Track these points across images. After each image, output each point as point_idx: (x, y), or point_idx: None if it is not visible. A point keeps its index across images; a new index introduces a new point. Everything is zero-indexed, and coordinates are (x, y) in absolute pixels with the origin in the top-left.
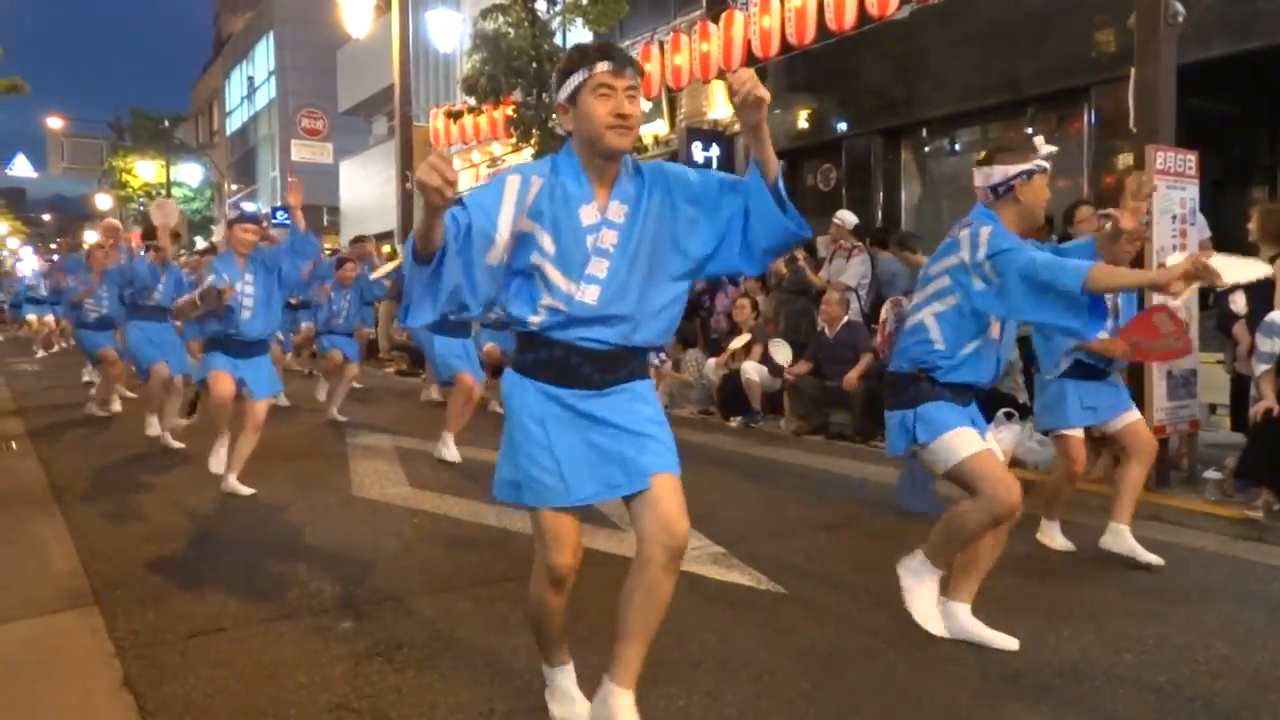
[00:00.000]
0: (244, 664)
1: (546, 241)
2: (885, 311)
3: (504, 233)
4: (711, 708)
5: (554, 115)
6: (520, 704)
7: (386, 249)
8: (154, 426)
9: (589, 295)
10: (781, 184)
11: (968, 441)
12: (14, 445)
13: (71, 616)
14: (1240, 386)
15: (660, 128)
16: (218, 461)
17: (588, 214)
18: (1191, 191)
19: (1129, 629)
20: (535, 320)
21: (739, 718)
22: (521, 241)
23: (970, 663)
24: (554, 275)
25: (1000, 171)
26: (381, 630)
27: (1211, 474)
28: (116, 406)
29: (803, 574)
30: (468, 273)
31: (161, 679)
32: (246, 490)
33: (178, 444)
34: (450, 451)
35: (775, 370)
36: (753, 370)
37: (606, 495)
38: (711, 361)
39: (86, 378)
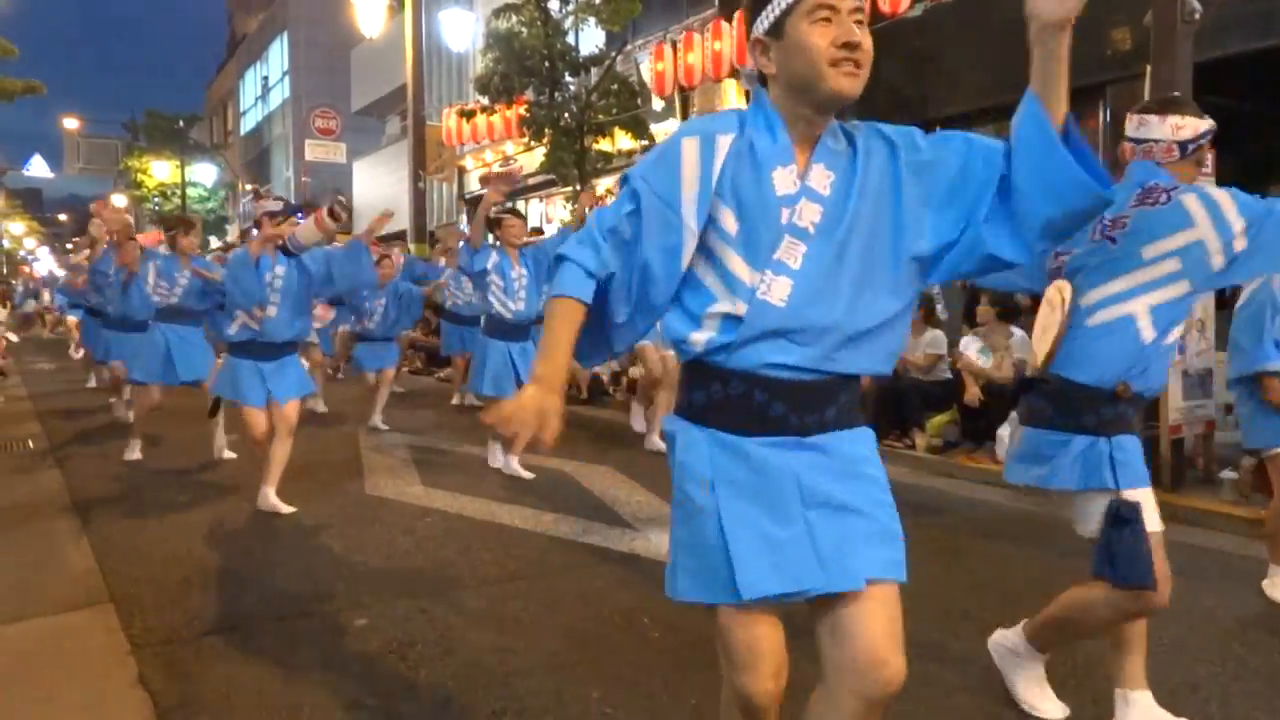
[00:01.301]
0: (257, 662)
1: (728, 219)
2: (1060, 296)
3: (694, 226)
4: None
5: (566, 114)
6: (533, 703)
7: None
8: (134, 449)
9: (776, 291)
10: (1075, 128)
11: (1153, 509)
12: (30, 444)
13: (87, 615)
14: None
15: (673, 127)
16: (268, 496)
17: (783, 180)
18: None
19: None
20: (699, 338)
21: None
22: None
23: (983, 662)
24: (736, 264)
25: (1193, 126)
26: (394, 629)
27: (1228, 474)
28: (126, 414)
29: None
30: (646, 309)
31: (176, 677)
32: (286, 508)
33: (230, 454)
34: (496, 458)
35: None
36: None
37: (792, 592)
38: None
39: (93, 384)
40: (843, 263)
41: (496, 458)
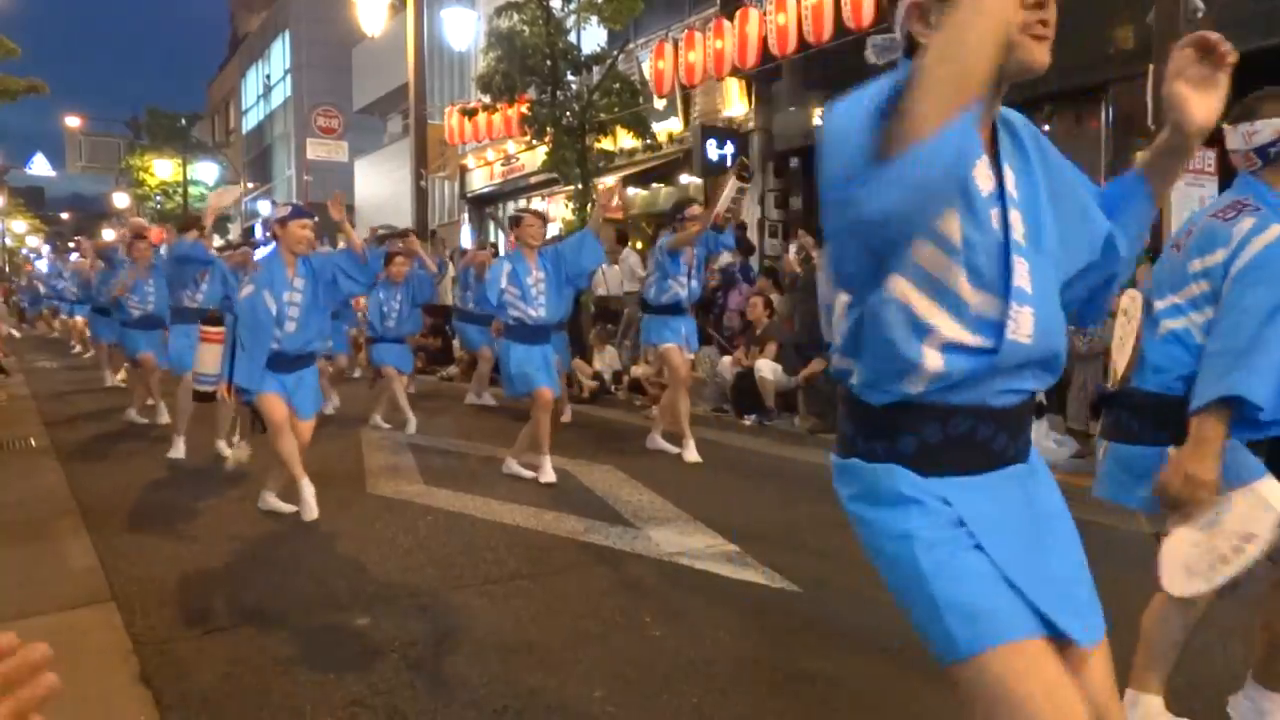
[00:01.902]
0: (260, 660)
1: (951, 225)
2: (1133, 305)
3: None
4: (725, 706)
5: (567, 113)
6: (534, 701)
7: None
8: (179, 447)
9: (1023, 326)
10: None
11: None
12: (33, 442)
13: (90, 612)
14: None
15: (675, 125)
16: (309, 505)
17: (982, 178)
18: (1211, 188)
19: None
20: (923, 376)
21: (752, 716)
22: (902, 222)
23: None
24: (964, 289)
25: (1270, 128)
26: (396, 627)
27: None
28: (165, 417)
29: (816, 573)
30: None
31: (178, 674)
32: (287, 507)
33: (230, 452)
34: (547, 474)
35: (790, 370)
36: (766, 368)
37: (1071, 628)
38: (725, 359)
39: (110, 382)
40: (1050, 277)
41: (546, 472)
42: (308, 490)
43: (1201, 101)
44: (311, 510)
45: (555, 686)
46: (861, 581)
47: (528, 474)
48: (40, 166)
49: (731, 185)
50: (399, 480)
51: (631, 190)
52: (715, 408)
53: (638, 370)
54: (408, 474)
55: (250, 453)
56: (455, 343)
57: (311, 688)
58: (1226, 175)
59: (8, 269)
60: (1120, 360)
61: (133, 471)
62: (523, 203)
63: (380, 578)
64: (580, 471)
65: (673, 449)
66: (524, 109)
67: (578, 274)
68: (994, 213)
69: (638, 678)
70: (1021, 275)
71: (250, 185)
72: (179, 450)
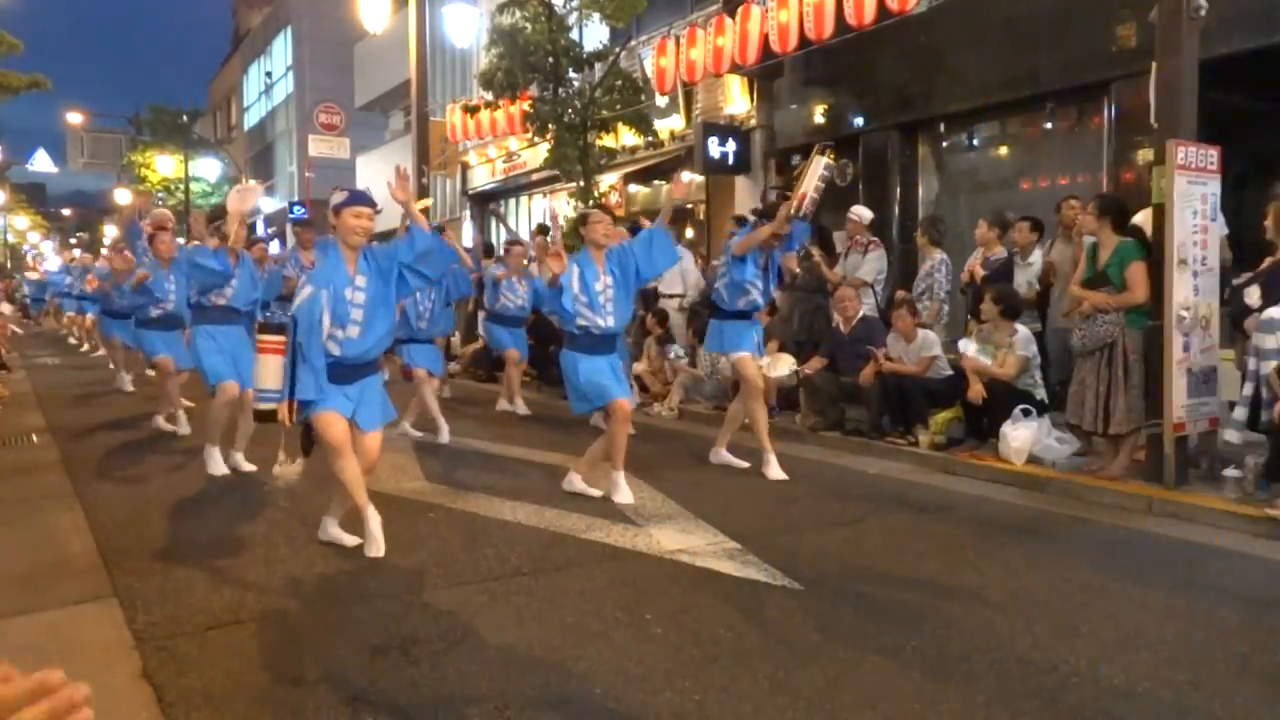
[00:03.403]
0: (262, 656)
1: None
2: None
3: None
4: (726, 703)
5: (569, 110)
6: (536, 697)
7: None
8: (217, 462)
9: None
10: None
11: None
12: (35, 439)
13: (91, 608)
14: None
15: (676, 123)
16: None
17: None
18: (1213, 187)
19: (1147, 627)
20: None
21: (753, 714)
22: None
23: (986, 660)
24: None
25: None
26: (397, 624)
27: (1232, 472)
28: (185, 428)
29: (817, 570)
30: None
31: (180, 670)
32: (351, 539)
33: (249, 466)
34: (623, 493)
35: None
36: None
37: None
38: (725, 358)
39: (128, 387)
40: None
41: (620, 492)
42: (374, 521)
43: None
44: (378, 545)
45: (556, 683)
46: (862, 579)
47: (594, 493)
48: (42, 162)
49: (817, 164)
50: (400, 477)
51: (633, 188)
52: (716, 405)
53: (638, 367)
54: (409, 471)
55: (299, 469)
56: (455, 339)
57: (313, 684)
58: (1228, 174)
59: (9, 265)
60: None
61: (135, 468)
62: (524, 200)
63: (382, 575)
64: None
65: (739, 463)
66: (526, 106)
67: (650, 276)
68: None
69: (639, 675)
70: None
71: (252, 182)
72: (217, 465)
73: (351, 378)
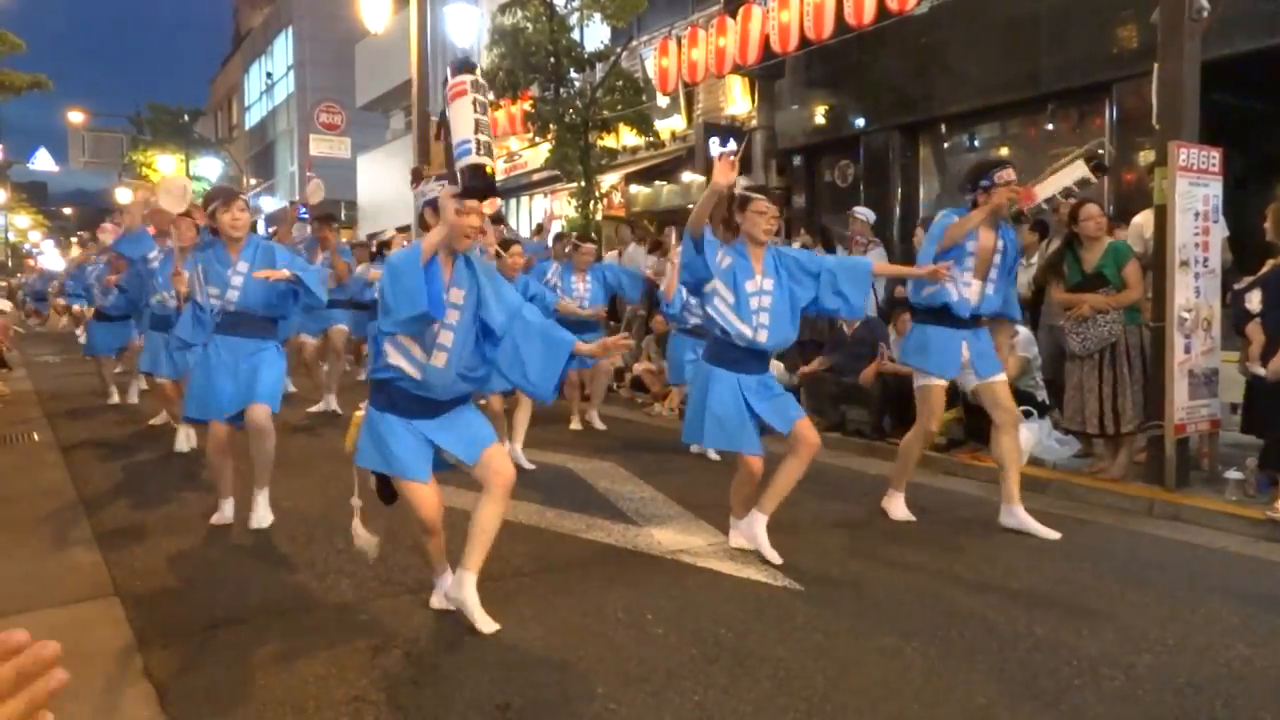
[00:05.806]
0: (263, 655)
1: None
2: None
3: None
4: (727, 704)
5: (570, 110)
6: (536, 697)
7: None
8: (226, 512)
9: None
10: None
11: None
12: (36, 437)
13: (93, 607)
14: (1255, 387)
15: (677, 123)
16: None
17: None
18: (1215, 188)
19: (1149, 629)
20: None
21: (754, 714)
22: None
23: (987, 662)
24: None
25: None
26: (399, 623)
27: (1233, 474)
28: (184, 444)
29: (818, 571)
30: None
31: (181, 669)
32: (492, 627)
33: (358, 541)
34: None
35: (790, 366)
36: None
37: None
38: None
39: (115, 399)
40: None
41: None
42: (469, 596)
43: None
44: (487, 623)
45: (556, 683)
46: (863, 580)
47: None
48: (43, 162)
49: (1074, 171)
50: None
51: (634, 188)
52: None
53: (639, 367)
54: None
55: (379, 540)
56: None
57: (314, 684)
58: (1230, 175)
59: (10, 264)
60: None
61: (136, 466)
62: (525, 200)
63: (382, 574)
64: (582, 468)
65: (1045, 530)
66: (527, 106)
67: (831, 310)
68: None
69: (639, 675)
70: None
71: (253, 181)
72: (226, 514)
73: (435, 412)
